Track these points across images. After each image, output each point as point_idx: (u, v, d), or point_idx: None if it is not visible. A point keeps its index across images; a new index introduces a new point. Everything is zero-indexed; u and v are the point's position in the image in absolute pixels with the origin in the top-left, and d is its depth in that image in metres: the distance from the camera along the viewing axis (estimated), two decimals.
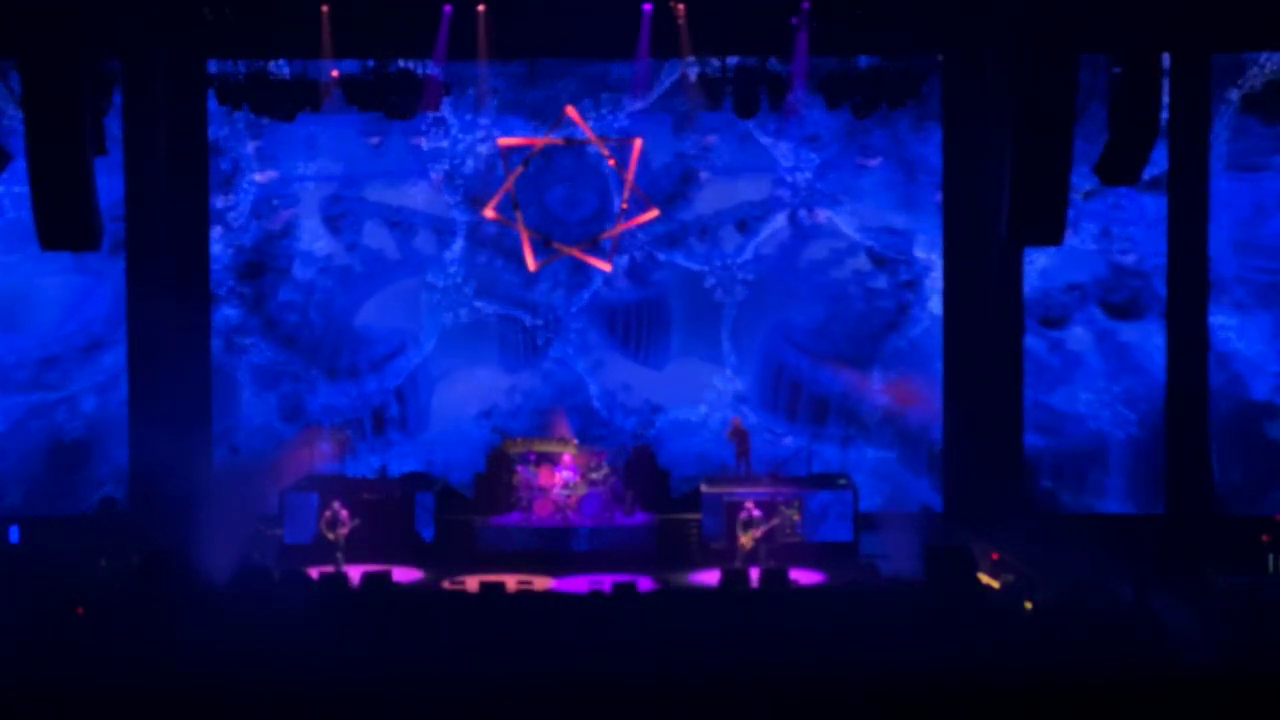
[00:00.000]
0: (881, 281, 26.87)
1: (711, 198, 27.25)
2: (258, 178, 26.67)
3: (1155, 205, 25.39)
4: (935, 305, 26.40)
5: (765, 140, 26.60)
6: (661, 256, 27.48)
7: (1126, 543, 20.77)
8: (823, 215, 26.99)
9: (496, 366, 27.40)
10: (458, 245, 27.29)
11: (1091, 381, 26.16)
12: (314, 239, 27.23)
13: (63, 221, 20.40)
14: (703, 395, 27.24)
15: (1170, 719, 14.09)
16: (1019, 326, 25.06)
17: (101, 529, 23.01)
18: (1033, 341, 25.93)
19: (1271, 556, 21.27)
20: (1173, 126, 23.85)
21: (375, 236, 27.39)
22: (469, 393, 27.34)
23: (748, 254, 27.40)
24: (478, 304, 27.43)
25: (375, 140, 26.88)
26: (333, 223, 27.31)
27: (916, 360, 26.68)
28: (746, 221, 27.25)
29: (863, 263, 27.00)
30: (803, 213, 27.11)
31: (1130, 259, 26.20)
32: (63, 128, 19.96)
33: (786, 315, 27.38)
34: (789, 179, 27.01)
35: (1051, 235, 21.19)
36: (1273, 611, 18.55)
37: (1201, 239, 24.36)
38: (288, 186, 27.00)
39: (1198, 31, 22.81)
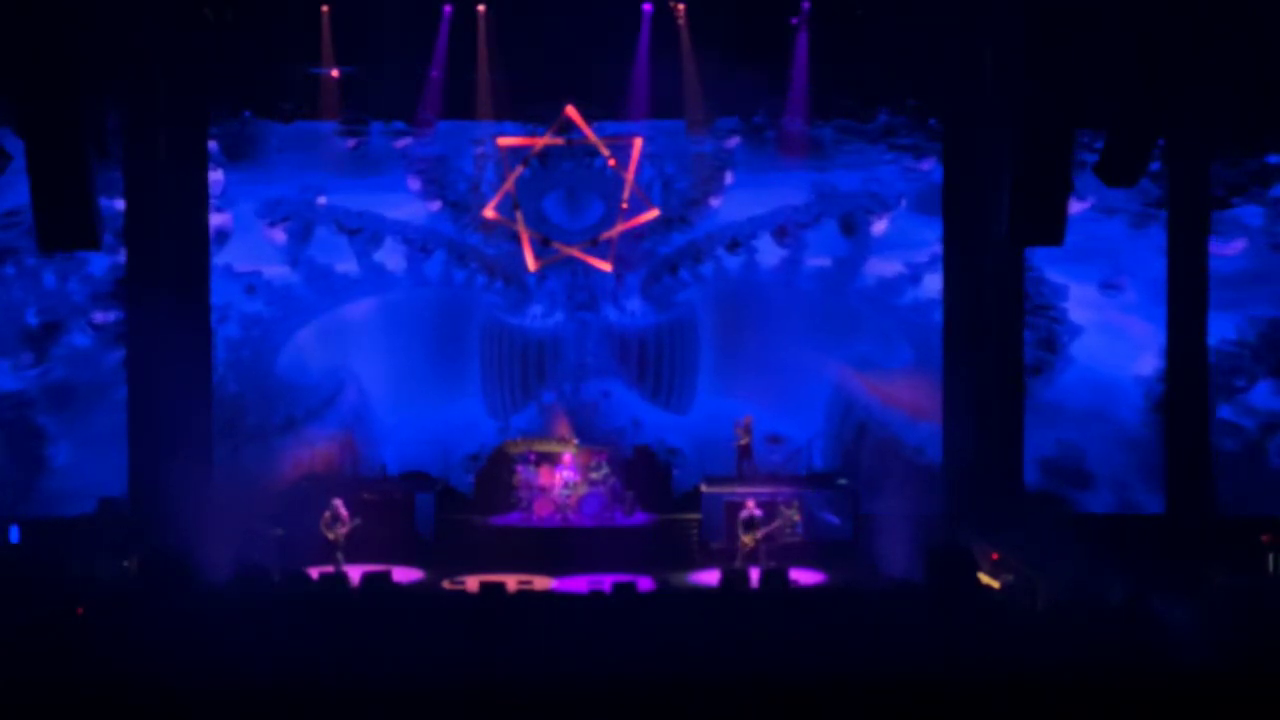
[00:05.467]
0: None
1: (741, 203, 24.53)
2: None
3: None
4: (1073, 343, 22.64)
5: (792, 140, 24.19)
6: (685, 273, 24.44)
7: (1126, 543, 20.76)
8: (882, 222, 24.19)
9: (479, 403, 25.33)
10: (433, 260, 24.65)
11: None
12: (243, 250, 24.02)
13: (63, 222, 20.35)
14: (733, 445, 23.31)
15: (1170, 719, 14.08)
16: (1019, 326, 24.99)
17: (101, 529, 22.98)
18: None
19: (1271, 556, 21.28)
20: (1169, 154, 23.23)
21: (327, 248, 24.53)
22: (450, 433, 24.74)
23: (793, 269, 24.14)
24: (454, 328, 24.82)
25: (352, 143, 24.65)
26: (272, 229, 24.34)
27: (1064, 416, 22.76)
28: (788, 229, 24.39)
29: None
30: (859, 218, 24.27)
31: None
32: (62, 128, 19.93)
33: (857, 349, 24.05)
34: (833, 182, 24.43)
35: (1052, 235, 21.17)
36: (1273, 611, 18.54)
37: (1201, 242, 24.24)
38: (230, 188, 24.48)
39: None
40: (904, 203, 24.72)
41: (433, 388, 24.96)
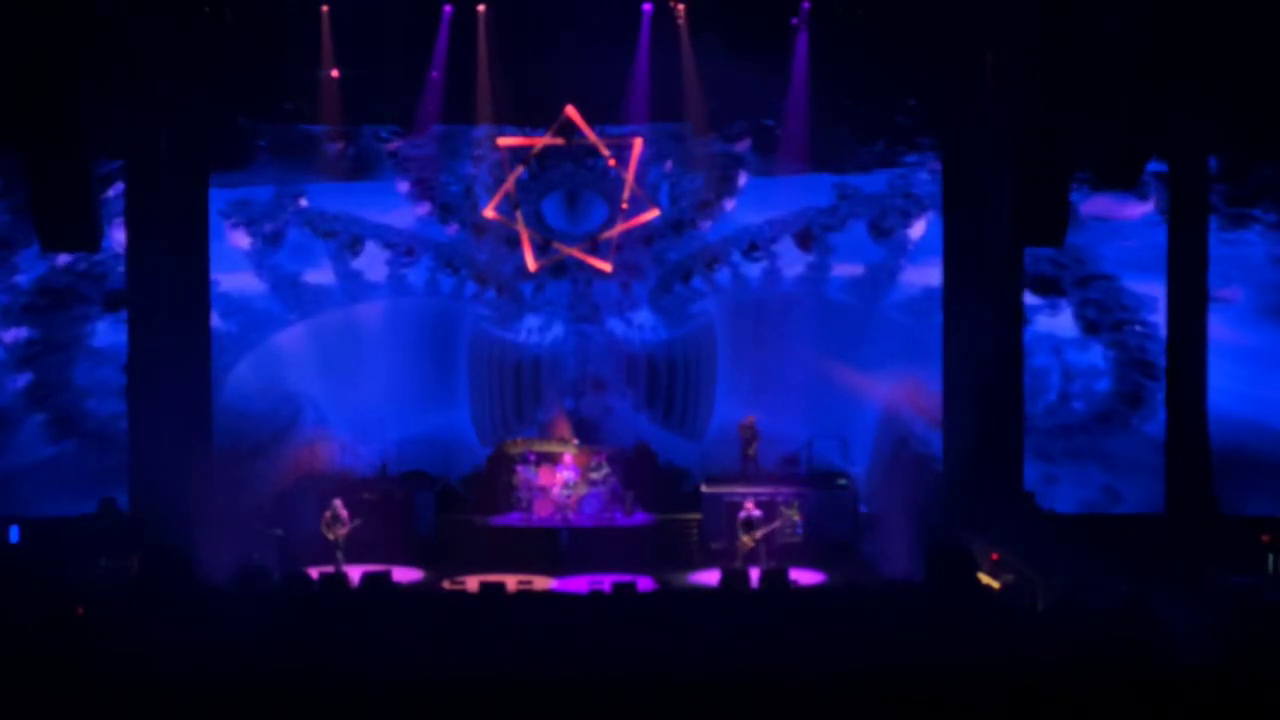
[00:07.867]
0: (1041, 320, 21.28)
1: (756, 205, 23.04)
2: None
3: None
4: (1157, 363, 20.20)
5: (803, 141, 22.59)
6: (698, 281, 22.81)
7: (1126, 543, 20.74)
8: (919, 225, 22.66)
9: (469, 429, 24.38)
10: (419, 266, 23.04)
11: None
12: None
13: (62, 222, 20.36)
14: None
15: (1170, 719, 14.08)
16: (1019, 326, 24.92)
17: (101, 529, 22.98)
18: None
19: (1271, 556, 21.28)
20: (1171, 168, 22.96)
21: (298, 253, 23.03)
22: (436, 458, 23.60)
23: (820, 277, 22.37)
24: (440, 343, 23.42)
25: (341, 145, 23.29)
26: (235, 231, 22.43)
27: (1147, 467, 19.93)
28: (812, 232, 22.78)
29: None
30: (892, 220, 22.76)
31: None
32: (62, 130, 19.94)
33: (906, 368, 21.99)
34: (855, 183, 23.04)
35: (1053, 236, 21.18)
36: (1273, 611, 18.54)
37: (1201, 244, 24.16)
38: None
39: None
40: (933, 203, 23.52)
41: (417, 412, 23.82)
